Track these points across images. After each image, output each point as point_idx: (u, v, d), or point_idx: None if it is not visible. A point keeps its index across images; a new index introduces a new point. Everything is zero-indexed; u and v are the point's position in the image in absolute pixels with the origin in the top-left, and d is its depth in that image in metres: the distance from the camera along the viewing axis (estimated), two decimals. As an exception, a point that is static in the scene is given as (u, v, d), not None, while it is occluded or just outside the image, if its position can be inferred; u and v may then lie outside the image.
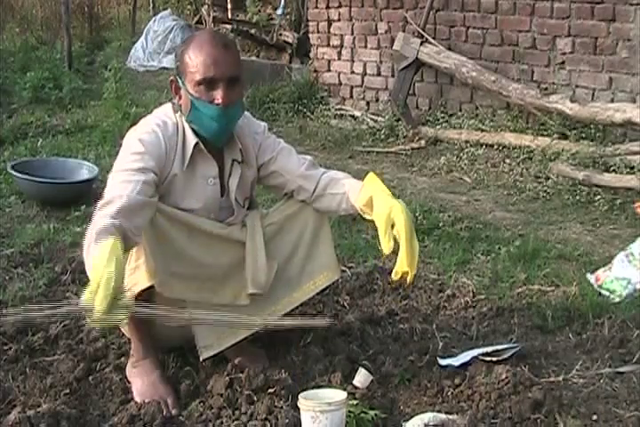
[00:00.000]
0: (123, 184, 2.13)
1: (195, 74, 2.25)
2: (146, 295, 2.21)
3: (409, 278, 2.20)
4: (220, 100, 2.25)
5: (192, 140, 2.33)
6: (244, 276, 2.41)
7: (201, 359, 2.40)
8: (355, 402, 2.20)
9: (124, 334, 2.65)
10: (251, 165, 2.48)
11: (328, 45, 7.12)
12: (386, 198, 2.25)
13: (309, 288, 2.52)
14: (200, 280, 2.37)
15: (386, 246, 2.19)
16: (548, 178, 4.80)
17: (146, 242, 2.21)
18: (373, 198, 2.28)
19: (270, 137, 2.52)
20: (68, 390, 2.33)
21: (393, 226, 2.20)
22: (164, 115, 2.38)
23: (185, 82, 2.29)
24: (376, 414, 2.18)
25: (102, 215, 2.02)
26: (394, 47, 6.32)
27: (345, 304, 3.03)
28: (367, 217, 2.34)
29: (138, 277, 2.22)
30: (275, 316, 2.47)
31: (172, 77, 2.36)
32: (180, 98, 2.33)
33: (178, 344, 2.54)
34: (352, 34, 6.89)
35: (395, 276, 2.20)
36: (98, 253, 1.84)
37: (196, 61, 2.25)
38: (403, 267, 2.18)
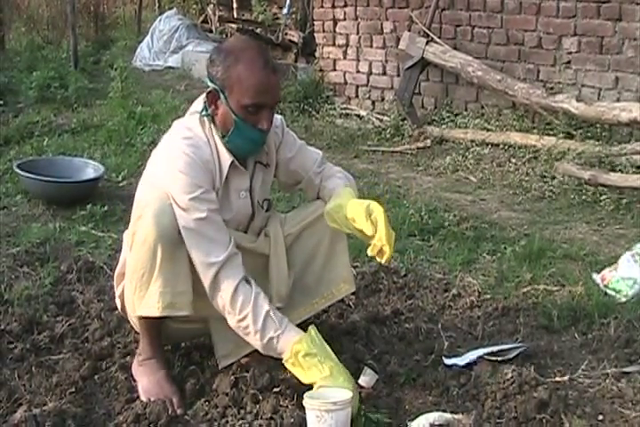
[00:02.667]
0: (218, 247, 2.20)
1: (244, 97, 2.20)
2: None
3: (386, 256, 2.21)
4: (265, 126, 2.25)
5: (227, 159, 2.29)
6: (266, 288, 2.37)
7: (220, 368, 2.39)
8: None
9: (129, 333, 2.66)
10: (273, 165, 2.48)
11: (333, 45, 7.11)
12: (360, 200, 2.31)
13: (327, 298, 2.53)
14: None
15: (368, 228, 2.21)
16: (553, 177, 4.78)
17: (172, 262, 2.20)
18: (348, 202, 2.30)
19: (289, 132, 2.52)
20: (73, 389, 2.33)
21: (370, 215, 2.23)
22: (189, 131, 2.29)
23: (229, 98, 2.23)
24: (381, 414, 2.18)
25: (235, 282, 2.18)
26: (399, 46, 6.32)
27: (350, 304, 3.03)
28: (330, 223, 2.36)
29: (150, 303, 2.23)
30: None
31: (210, 88, 2.26)
32: (217, 108, 2.27)
33: (187, 341, 2.58)
34: (357, 33, 6.88)
35: (371, 251, 2.22)
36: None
37: (247, 84, 2.19)
38: (381, 240, 2.19)
